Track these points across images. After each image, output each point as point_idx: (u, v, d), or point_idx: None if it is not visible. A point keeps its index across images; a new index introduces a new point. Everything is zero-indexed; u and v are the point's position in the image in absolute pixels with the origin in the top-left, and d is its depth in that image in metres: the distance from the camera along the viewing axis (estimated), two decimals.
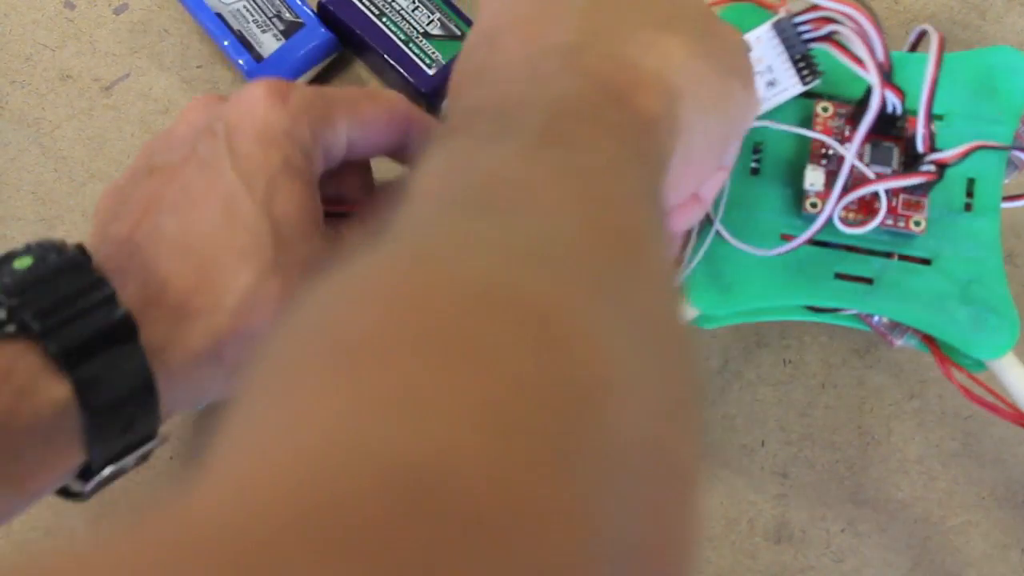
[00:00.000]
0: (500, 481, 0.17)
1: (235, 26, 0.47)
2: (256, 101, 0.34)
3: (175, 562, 0.15)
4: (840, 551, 0.44)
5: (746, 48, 0.34)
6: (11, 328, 0.30)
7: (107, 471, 0.32)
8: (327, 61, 0.48)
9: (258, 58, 0.47)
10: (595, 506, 0.18)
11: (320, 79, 0.49)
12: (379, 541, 0.15)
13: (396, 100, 0.38)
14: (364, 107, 0.37)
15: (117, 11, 0.50)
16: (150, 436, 0.33)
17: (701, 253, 0.39)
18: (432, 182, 0.27)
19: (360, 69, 0.50)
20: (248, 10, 0.46)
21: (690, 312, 0.40)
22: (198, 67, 0.49)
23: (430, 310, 0.20)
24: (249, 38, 0.47)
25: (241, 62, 0.47)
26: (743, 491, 0.44)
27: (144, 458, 0.34)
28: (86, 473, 0.32)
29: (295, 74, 0.47)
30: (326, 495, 0.16)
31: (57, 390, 0.30)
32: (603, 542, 0.18)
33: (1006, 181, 0.41)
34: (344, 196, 0.39)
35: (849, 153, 0.39)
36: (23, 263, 0.31)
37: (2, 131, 0.49)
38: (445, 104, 0.33)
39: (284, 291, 0.33)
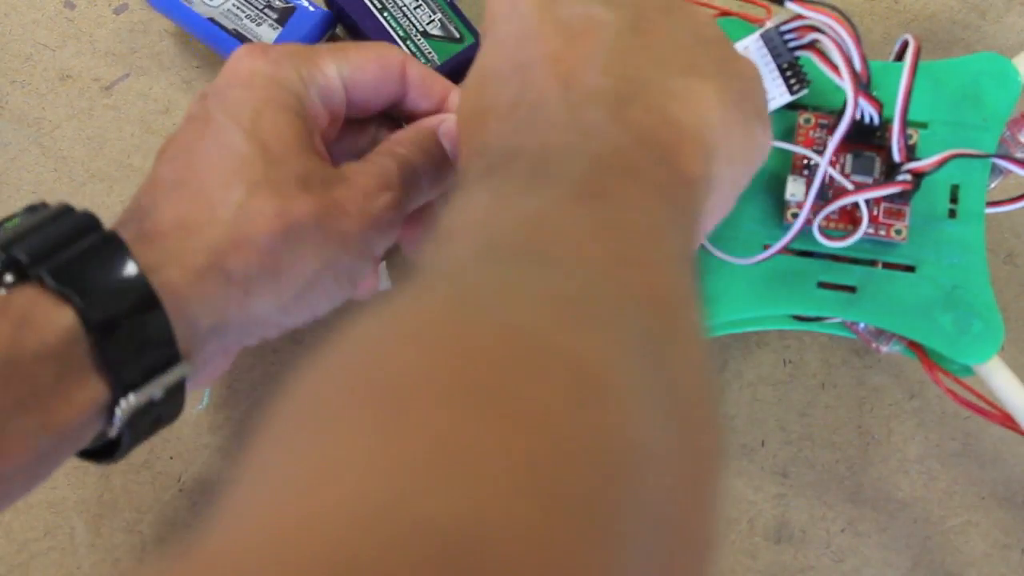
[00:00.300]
0: (535, 549, 0.17)
1: (230, 26, 0.47)
2: (240, 59, 0.37)
3: None
4: (840, 551, 0.44)
5: (761, 81, 0.34)
6: (9, 278, 0.31)
7: (132, 398, 0.32)
8: (327, 36, 0.48)
9: None
10: None
11: None
12: None
13: (386, 46, 0.39)
14: (351, 52, 0.38)
15: (117, 11, 0.50)
16: (172, 360, 0.32)
17: None
18: (470, 221, 0.27)
19: None
20: (238, 7, 0.46)
21: None
22: (198, 67, 0.49)
23: (468, 359, 0.20)
24: (246, 34, 0.47)
25: None
26: (743, 491, 0.44)
27: (175, 400, 0.34)
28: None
29: None
30: (355, 555, 0.16)
31: (59, 316, 0.30)
32: None
33: (991, 187, 0.41)
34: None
35: (823, 161, 0.39)
36: (12, 222, 0.33)
37: (2, 131, 0.49)
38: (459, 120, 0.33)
39: (277, 203, 0.34)
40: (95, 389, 0.31)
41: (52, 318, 0.30)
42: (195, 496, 0.45)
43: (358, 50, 0.39)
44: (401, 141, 0.39)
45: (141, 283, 0.32)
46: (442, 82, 0.40)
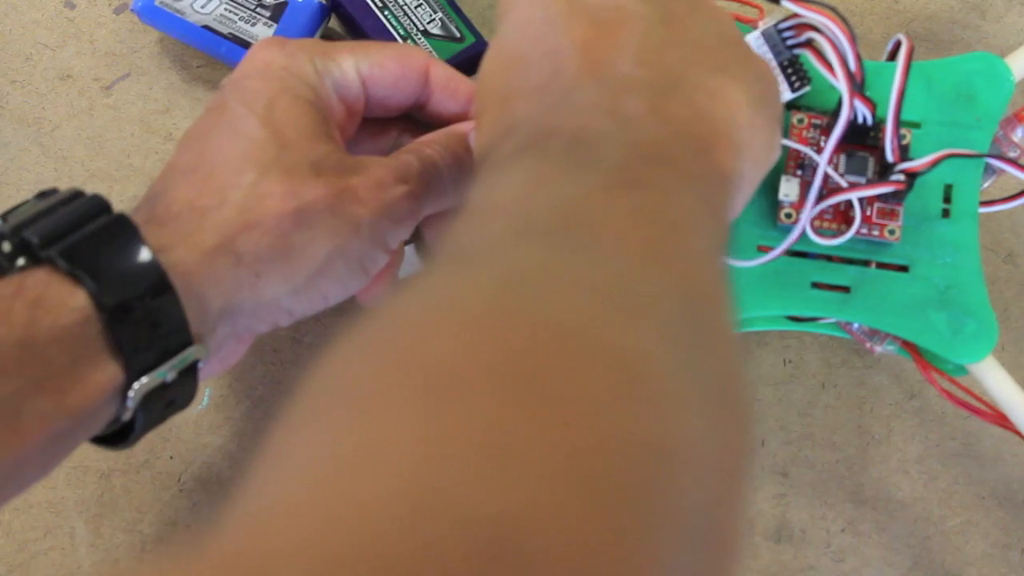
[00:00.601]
0: (579, 547, 0.16)
1: (225, 31, 0.47)
2: (257, 51, 0.37)
3: None
4: (840, 551, 0.44)
5: (777, 84, 0.34)
6: (21, 261, 0.31)
7: (144, 380, 0.32)
8: (324, 26, 0.48)
9: None
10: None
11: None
12: None
13: (409, 48, 0.39)
14: (370, 48, 0.38)
15: (117, 11, 0.50)
16: (184, 342, 0.33)
17: None
18: (505, 199, 0.26)
19: None
20: (230, 10, 0.47)
21: None
22: (198, 67, 0.49)
23: (514, 350, 0.19)
24: (242, 36, 0.47)
25: None
26: None
27: (187, 384, 0.34)
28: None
29: None
30: (402, 547, 0.15)
31: (72, 298, 0.30)
32: None
33: (984, 186, 0.41)
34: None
35: (821, 162, 0.39)
36: (24, 206, 0.33)
37: (2, 131, 0.49)
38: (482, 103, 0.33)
39: (288, 185, 0.34)
40: (109, 371, 0.31)
41: (65, 300, 0.30)
42: (195, 496, 0.45)
43: (379, 48, 0.39)
44: (428, 142, 0.39)
45: (153, 265, 0.32)
46: (469, 85, 0.40)
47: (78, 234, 0.32)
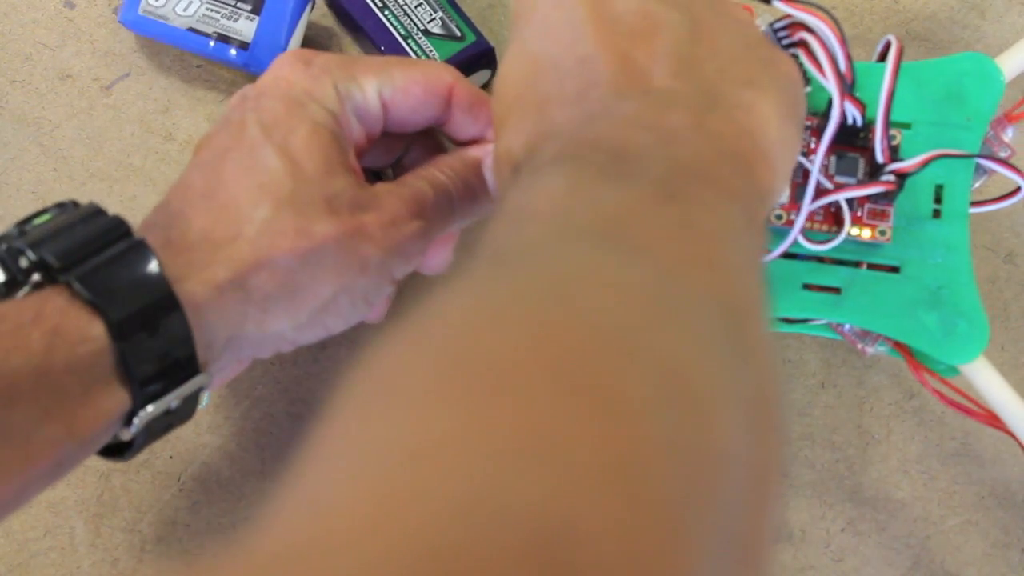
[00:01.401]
0: (620, 546, 0.16)
1: (210, 30, 0.47)
2: (280, 67, 0.37)
3: None
4: (840, 550, 0.44)
5: (801, 83, 0.34)
6: (37, 277, 0.31)
7: (150, 409, 0.32)
8: (307, 14, 0.48)
9: (243, 45, 0.47)
10: None
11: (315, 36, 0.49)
12: None
13: (435, 67, 0.39)
14: (393, 69, 0.38)
15: (117, 11, 0.50)
16: (192, 373, 0.33)
17: None
18: (547, 203, 0.26)
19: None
20: (211, 8, 0.47)
21: None
22: (197, 67, 0.49)
23: (564, 349, 0.19)
24: (227, 33, 0.47)
25: (232, 52, 0.47)
26: None
27: (189, 405, 0.34)
28: (132, 420, 0.33)
29: (286, 39, 0.47)
30: (450, 542, 0.15)
31: (90, 327, 0.31)
32: None
33: (975, 187, 0.41)
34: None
35: (814, 167, 0.39)
36: (42, 219, 0.33)
37: (2, 131, 0.49)
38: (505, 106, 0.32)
39: (300, 223, 0.34)
40: (118, 399, 0.32)
41: (84, 330, 0.31)
42: (195, 496, 0.45)
43: (405, 70, 0.38)
44: (442, 167, 0.39)
45: (169, 298, 0.32)
46: (490, 106, 0.40)
47: (97, 259, 0.32)
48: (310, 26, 0.49)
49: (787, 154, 0.32)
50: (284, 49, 0.47)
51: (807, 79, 0.40)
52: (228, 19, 0.47)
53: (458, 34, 0.47)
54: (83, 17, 0.50)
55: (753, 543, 0.21)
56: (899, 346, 0.41)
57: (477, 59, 0.47)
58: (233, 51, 0.47)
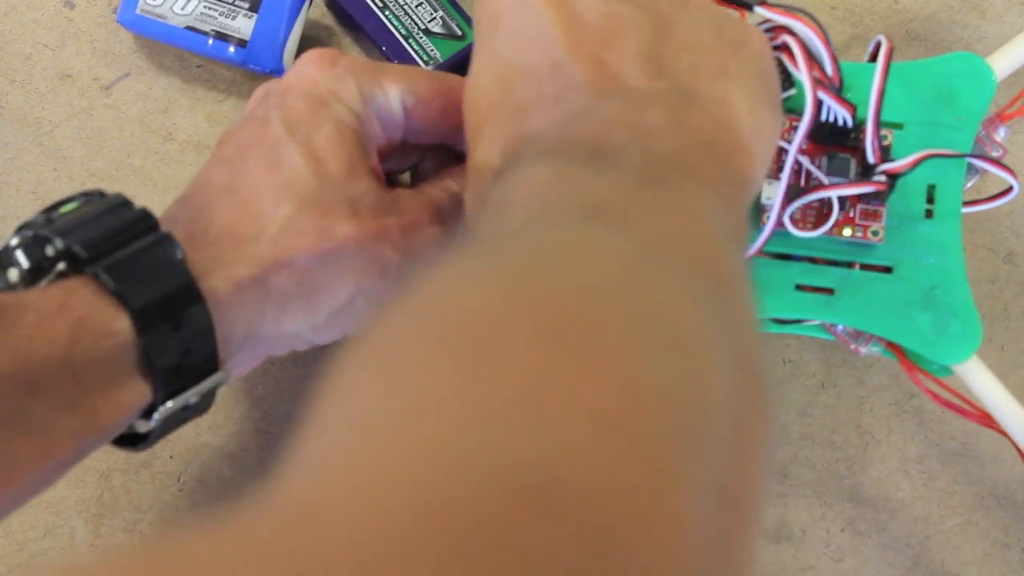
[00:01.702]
0: (612, 494, 0.17)
1: (208, 28, 0.47)
2: (305, 65, 0.37)
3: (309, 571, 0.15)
4: (840, 550, 0.44)
5: (772, 55, 0.34)
6: (62, 266, 0.31)
7: (170, 404, 0.32)
8: (305, 11, 0.48)
9: (242, 43, 0.47)
10: (702, 531, 0.18)
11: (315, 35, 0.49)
12: (498, 543, 0.15)
13: (455, 83, 0.38)
14: (417, 78, 0.38)
15: (117, 11, 0.50)
16: (212, 370, 0.33)
17: None
18: (526, 193, 0.27)
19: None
20: (209, 7, 0.47)
21: None
22: (198, 67, 0.49)
23: (552, 304, 0.20)
24: (225, 31, 0.47)
25: (231, 51, 0.47)
26: None
27: (207, 400, 0.34)
28: (151, 414, 0.33)
29: (285, 36, 0.47)
30: (451, 497, 0.16)
31: (115, 321, 0.31)
32: (702, 567, 0.18)
33: (967, 186, 0.41)
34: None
35: (791, 150, 0.39)
36: (69, 207, 0.33)
37: (2, 131, 0.49)
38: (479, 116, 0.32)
39: (322, 223, 0.34)
40: (139, 393, 0.32)
41: (108, 323, 0.31)
42: (195, 496, 0.45)
43: (427, 82, 0.38)
44: (457, 178, 0.39)
45: (194, 293, 0.32)
46: None
47: (125, 251, 0.32)
48: (309, 25, 0.49)
49: (764, 140, 0.32)
50: (283, 47, 0.47)
51: (791, 82, 0.40)
52: (226, 17, 0.47)
53: (459, 33, 0.47)
54: (83, 17, 0.50)
55: (742, 494, 0.21)
56: (892, 346, 0.41)
57: None
58: (232, 49, 0.47)
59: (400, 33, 0.47)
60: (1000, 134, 0.42)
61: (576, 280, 0.21)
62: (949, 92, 0.41)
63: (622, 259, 0.23)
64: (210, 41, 0.47)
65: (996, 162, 0.40)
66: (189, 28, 0.47)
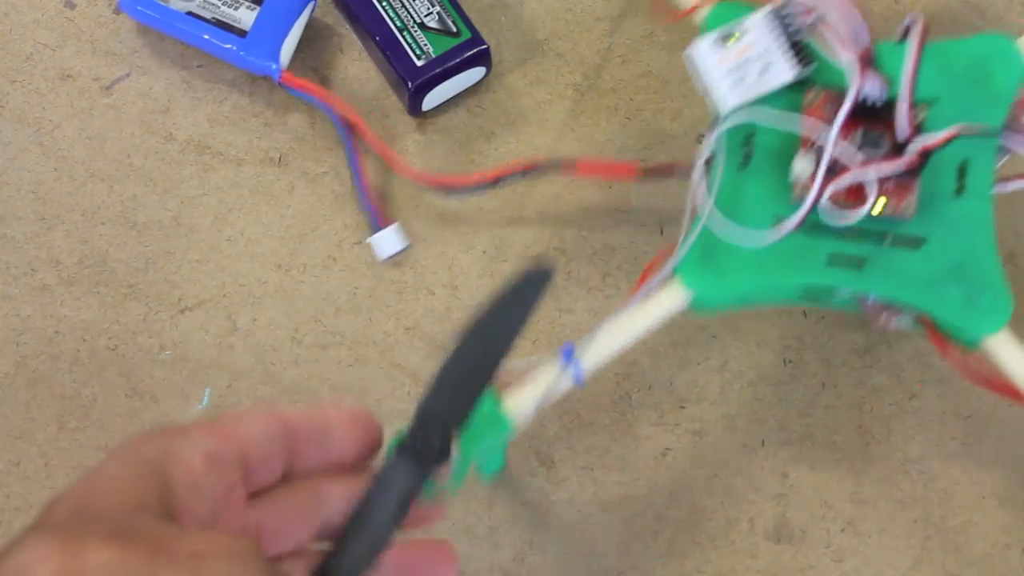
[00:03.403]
0: None
1: (209, 16, 0.47)
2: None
3: None
4: (840, 551, 0.44)
5: None
6: None
7: None
8: (311, 9, 0.48)
9: (241, 33, 0.47)
10: None
11: (315, 34, 0.49)
12: None
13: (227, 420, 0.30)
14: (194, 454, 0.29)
15: (117, 11, 0.50)
16: None
17: (695, 238, 0.40)
18: None
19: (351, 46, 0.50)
20: None
21: (685, 295, 0.40)
22: (198, 67, 0.49)
23: None
24: (226, 20, 0.47)
25: (228, 46, 0.47)
26: (743, 491, 0.44)
27: None
28: None
29: (284, 30, 0.47)
30: None
31: None
32: None
33: (999, 164, 0.41)
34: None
35: (831, 137, 0.39)
36: None
37: (2, 131, 0.49)
38: None
39: None
40: None
41: None
42: None
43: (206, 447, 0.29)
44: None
45: None
46: (336, 412, 0.31)
47: None
48: (311, 23, 0.49)
49: None
50: (281, 42, 0.47)
51: (813, 58, 0.40)
52: (229, 7, 0.47)
53: (454, 30, 0.47)
54: (83, 17, 0.50)
55: None
56: (922, 319, 0.41)
57: (471, 57, 0.47)
58: (229, 44, 0.47)
59: (396, 26, 0.47)
60: None
61: None
62: (982, 72, 0.42)
63: None
64: (207, 32, 0.47)
65: None
66: (190, 14, 0.47)
